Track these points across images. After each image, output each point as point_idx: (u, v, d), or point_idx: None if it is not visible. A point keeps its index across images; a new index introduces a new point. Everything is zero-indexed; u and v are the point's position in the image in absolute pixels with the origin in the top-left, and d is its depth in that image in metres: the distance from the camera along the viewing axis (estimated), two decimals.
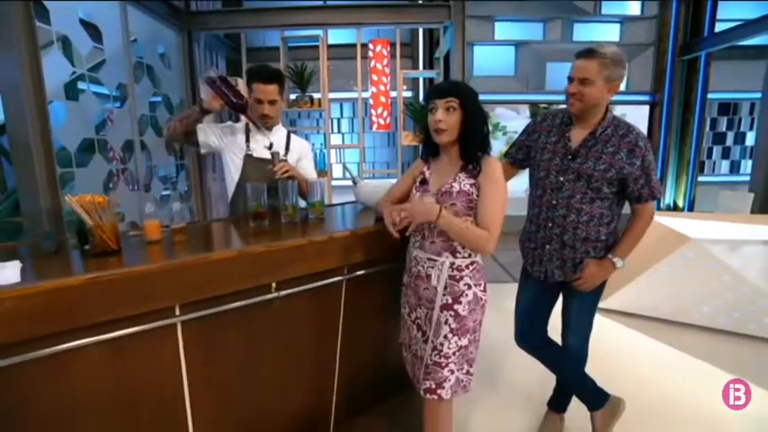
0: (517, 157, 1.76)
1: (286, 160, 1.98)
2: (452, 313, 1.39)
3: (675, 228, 3.07)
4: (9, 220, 2.95)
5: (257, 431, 1.55)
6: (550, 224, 1.60)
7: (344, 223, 1.86)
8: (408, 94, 7.42)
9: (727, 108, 8.13)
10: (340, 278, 1.59)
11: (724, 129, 8.27)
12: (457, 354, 1.41)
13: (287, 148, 2.01)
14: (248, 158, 1.92)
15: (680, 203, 6.52)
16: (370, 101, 5.41)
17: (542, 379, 2.08)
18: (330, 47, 5.18)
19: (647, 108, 6.56)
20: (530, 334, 1.80)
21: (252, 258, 1.33)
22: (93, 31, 3.28)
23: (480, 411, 2.12)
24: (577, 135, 1.56)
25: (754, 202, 4.51)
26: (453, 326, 1.39)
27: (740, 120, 8.22)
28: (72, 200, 1.21)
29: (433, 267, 1.40)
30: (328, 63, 5.10)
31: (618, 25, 6.86)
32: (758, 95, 4.72)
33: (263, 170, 1.86)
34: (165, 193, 4.43)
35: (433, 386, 1.42)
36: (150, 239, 1.38)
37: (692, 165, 6.40)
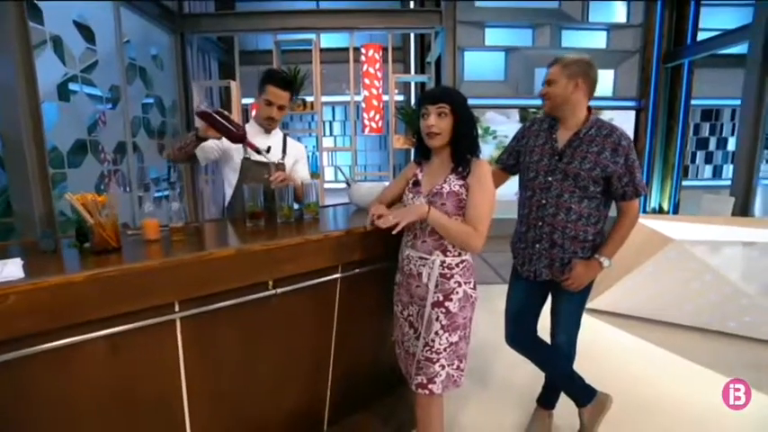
0: (508, 163, 1.82)
1: (284, 164, 2.01)
2: (443, 310, 1.43)
3: (659, 229, 3.16)
4: (0, 221, 2.94)
5: (253, 427, 1.57)
6: (540, 223, 1.66)
7: (338, 223, 1.90)
8: (400, 97, 7.50)
9: (709, 114, 8.35)
10: (335, 276, 1.63)
11: (707, 134, 8.49)
12: (448, 350, 1.45)
13: (283, 151, 2.05)
14: (246, 162, 1.95)
15: (665, 206, 6.67)
16: (363, 104, 5.46)
17: (531, 377, 2.13)
18: (323, 50, 5.22)
19: (633, 113, 6.72)
20: (520, 333, 1.84)
21: (249, 256, 1.35)
22: (86, 32, 3.29)
23: (471, 408, 2.17)
24: (563, 136, 1.63)
25: (734, 206, 4.66)
26: (444, 322, 1.43)
27: (722, 125, 8.45)
28: (73, 198, 1.23)
29: (424, 266, 1.45)
30: (321, 66, 5.14)
31: (605, 32, 7.02)
32: (738, 102, 4.87)
33: (260, 174, 1.89)
34: (157, 194, 4.41)
35: (425, 381, 1.46)
36: (149, 239, 1.40)
37: (677, 169, 6.56)
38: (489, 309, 2.26)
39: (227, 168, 1.99)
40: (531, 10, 6.80)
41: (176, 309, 1.25)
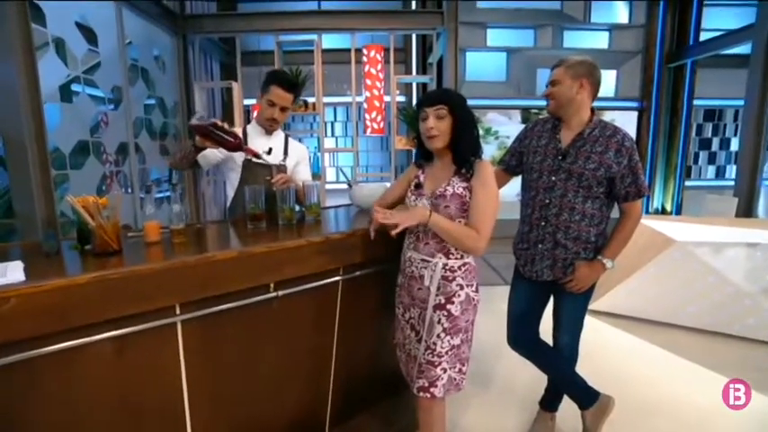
0: (510, 164, 1.82)
1: (285, 166, 2.01)
2: (445, 313, 1.43)
3: (662, 231, 3.15)
4: (2, 222, 2.94)
5: (254, 429, 1.56)
6: (543, 223, 1.66)
7: (340, 225, 1.90)
8: (402, 98, 7.49)
9: (712, 114, 8.31)
10: (336, 279, 1.62)
11: (710, 134, 8.44)
12: (449, 353, 1.44)
13: (285, 153, 2.04)
14: (247, 163, 1.94)
15: (668, 207, 6.65)
16: (364, 105, 5.46)
17: (534, 379, 2.12)
18: (324, 51, 5.22)
19: (635, 114, 6.69)
20: (522, 336, 1.84)
21: (251, 258, 1.35)
22: (88, 33, 3.29)
23: (474, 411, 2.16)
24: (566, 136, 1.63)
25: (738, 206, 4.63)
26: (446, 325, 1.43)
27: (725, 126, 8.40)
28: (74, 200, 1.23)
29: (426, 268, 1.44)
30: (323, 67, 5.14)
31: (606, 33, 6.99)
32: (742, 102, 4.85)
33: (262, 175, 1.89)
34: (158, 195, 4.42)
35: (426, 384, 1.45)
36: (150, 241, 1.40)
37: (680, 169, 6.54)
38: (491, 311, 2.26)
39: (229, 170, 1.99)
40: (533, 11, 6.78)
41: (177, 311, 1.24)
